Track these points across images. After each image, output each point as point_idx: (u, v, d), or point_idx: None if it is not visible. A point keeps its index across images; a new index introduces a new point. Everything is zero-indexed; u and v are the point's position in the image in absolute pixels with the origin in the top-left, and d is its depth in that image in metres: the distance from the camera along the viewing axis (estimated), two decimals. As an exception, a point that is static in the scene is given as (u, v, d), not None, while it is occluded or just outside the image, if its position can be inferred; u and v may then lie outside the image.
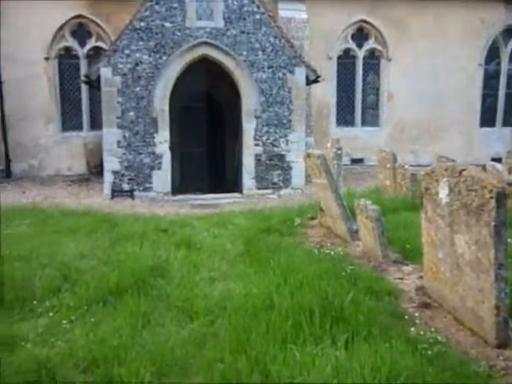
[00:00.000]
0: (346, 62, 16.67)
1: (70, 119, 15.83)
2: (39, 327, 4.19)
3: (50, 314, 4.46)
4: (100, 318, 4.29)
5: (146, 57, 11.63)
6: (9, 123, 15.04)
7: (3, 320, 4.34)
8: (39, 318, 4.41)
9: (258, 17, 11.95)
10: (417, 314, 4.20)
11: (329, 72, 15.82)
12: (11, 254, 5.87)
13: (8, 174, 15.09)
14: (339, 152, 9.79)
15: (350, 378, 3.06)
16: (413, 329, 3.87)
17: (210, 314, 4.35)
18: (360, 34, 16.69)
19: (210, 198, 11.75)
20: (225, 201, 11.43)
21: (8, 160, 15.16)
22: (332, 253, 5.96)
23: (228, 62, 11.93)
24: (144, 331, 4.07)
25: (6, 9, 14.44)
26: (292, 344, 3.55)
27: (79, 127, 15.79)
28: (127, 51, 11.59)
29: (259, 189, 12.18)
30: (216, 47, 11.79)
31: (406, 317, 4.13)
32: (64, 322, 4.28)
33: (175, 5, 11.56)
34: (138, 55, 11.60)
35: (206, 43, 11.80)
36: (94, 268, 5.57)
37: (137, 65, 11.61)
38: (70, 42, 15.48)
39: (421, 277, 4.90)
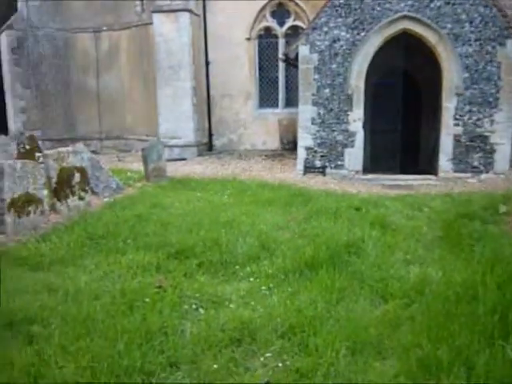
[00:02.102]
0: None
1: (266, 96, 16.55)
2: (241, 290, 4.51)
3: (251, 279, 4.76)
4: (296, 289, 4.45)
5: (343, 33, 11.54)
6: (213, 100, 16.29)
7: (210, 281, 4.75)
8: (241, 282, 4.75)
9: (465, -15, 11.04)
10: None
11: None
12: (217, 221, 6.38)
13: (210, 147, 16.43)
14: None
15: None
16: None
17: (406, 297, 4.25)
18: None
19: (403, 178, 11.33)
20: (418, 182, 10.92)
21: (210, 134, 16.49)
22: (546, 246, 5.35)
23: (429, 36, 11.25)
24: (338, 306, 4.12)
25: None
26: (500, 340, 3.28)
27: (275, 104, 16.44)
28: (325, 28, 11.62)
29: (456, 172, 11.38)
30: (417, 21, 11.17)
31: None
32: (263, 288, 4.54)
33: (376, -22, 11.25)
34: (335, 32, 11.57)
35: (406, 17, 11.25)
36: (290, 240, 5.79)
37: (334, 42, 11.59)
38: (270, 21, 16.08)
39: None
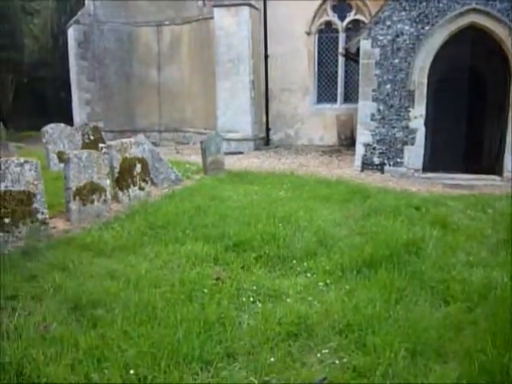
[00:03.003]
0: None
1: (324, 91, 16.43)
2: (298, 285, 4.50)
3: (308, 275, 4.74)
4: (354, 286, 4.40)
5: (407, 27, 11.24)
6: (271, 95, 16.29)
7: (267, 274, 4.77)
8: (298, 277, 4.74)
9: (541, -25, 10.50)
10: None
11: None
12: (275, 215, 6.38)
13: (267, 141, 16.45)
14: None
15: None
16: None
17: (468, 301, 4.12)
18: None
19: (465, 178, 10.94)
20: (481, 182, 10.52)
21: (268, 129, 16.51)
22: None
23: (498, 30, 10.77)
24: (397, 306, 4.04)
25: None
26: None
27: (333, 100, 16.28)
28: (388, 22, 11.36)
29: (522, 172, 10.93)
30: (486, 14, 10.71)
31: None
32: (320, 284, 4.51)
33: (442, -31, 10.90)
34: (398, 26, 11.29)
35: (474, 10, 10.83)
36: (348, 237, 5.73)
37: (397, 36, 11.31)
38: (331, 16, 15.91)
39: None
